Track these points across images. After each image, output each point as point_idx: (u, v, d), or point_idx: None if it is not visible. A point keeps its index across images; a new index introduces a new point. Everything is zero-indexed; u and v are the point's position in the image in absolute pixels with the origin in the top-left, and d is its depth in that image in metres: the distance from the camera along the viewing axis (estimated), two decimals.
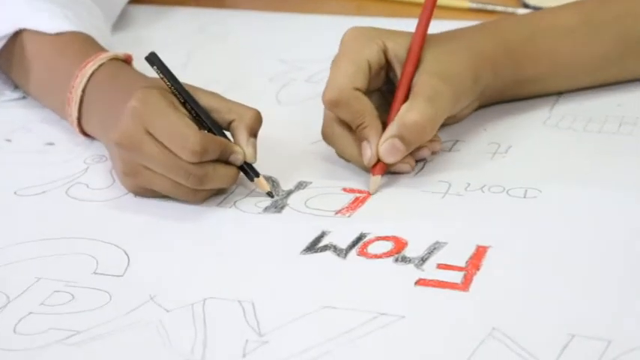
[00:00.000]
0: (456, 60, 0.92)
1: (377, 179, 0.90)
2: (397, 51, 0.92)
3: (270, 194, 0.90)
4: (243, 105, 0.91)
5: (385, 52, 0.92)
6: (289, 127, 1.00)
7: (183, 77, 0.95)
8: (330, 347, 0.72)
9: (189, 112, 0.90)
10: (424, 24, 0.92)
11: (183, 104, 0.90)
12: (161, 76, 0.91)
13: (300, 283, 0.80)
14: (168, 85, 0.90)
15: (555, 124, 0.97)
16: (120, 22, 1.23)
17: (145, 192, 0.91)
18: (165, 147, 0.87)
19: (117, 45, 1.11)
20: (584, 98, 1.00)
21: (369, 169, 0.90)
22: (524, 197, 0.87)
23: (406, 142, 0.89)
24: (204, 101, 0.91)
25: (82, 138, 1.00)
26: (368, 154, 0.90)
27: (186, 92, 0.90)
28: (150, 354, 0.74)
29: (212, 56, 1.18)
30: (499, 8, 1.20)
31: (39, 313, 0.78)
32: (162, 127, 0.87)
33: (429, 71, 0.90)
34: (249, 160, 0.90)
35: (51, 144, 1.02)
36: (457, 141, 0.96)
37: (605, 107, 0.98)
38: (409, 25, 1.20)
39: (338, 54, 0.92)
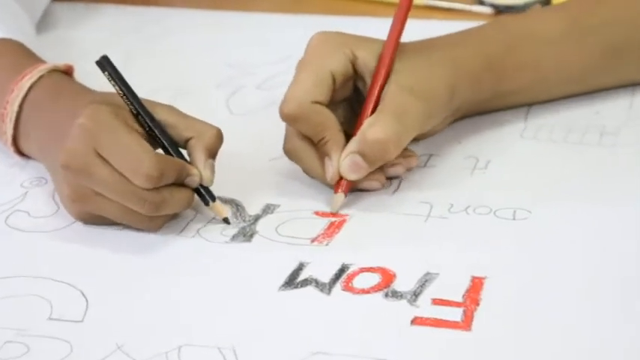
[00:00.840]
0: (432, 73, 0.85)
1: (339, 197, 0.83)
2: (367, 61, 0.85)
3: (226, 220, 0.83)
4: (203, 122, 0.83)
5: (354, 62, 0.85)
6: (245, 140, 0.92)
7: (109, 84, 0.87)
8: None
9: (143, 127, 0.82)
10: (397, 31, 0.85)
11: (136, 116, 0.82)
12: (113, 83, 0.82)
13: (284, 325, 0.72)
14: (121, 94, 0.82)
15: (533, 136, 0.91)
16: (43, 21, 1.13)
17: (95, 219, 0.82)
18: (118, 171, 0.79)
19: (43, 47, 1.01)
20: (558, 107, 0.94)
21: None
22: (514, 219, 0.81)
23: (368, 159, 0.82)
24: (160, 115, 0.83)
25: (17, 158, 0.91)
26: (330, 171, 0.83)
27: (141, 103, 0.82)
28: None
29: (151, 60, 1.09)
30: (456, 6, 1.14)
31: None
32: (114, 148, 0.79)
33: (401, 84, 0.84)
34: (205, 184, 0.82)
35: None
36: (431, 155, 0.89)
37: (582, 116, 0.92)
38: (351, 23, 1.16)
39: (301, 61, 0.85)
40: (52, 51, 0.98)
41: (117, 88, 0.82)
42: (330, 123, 0.83)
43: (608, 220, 0.80)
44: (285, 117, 0.84)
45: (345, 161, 0.83)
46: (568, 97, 0.94)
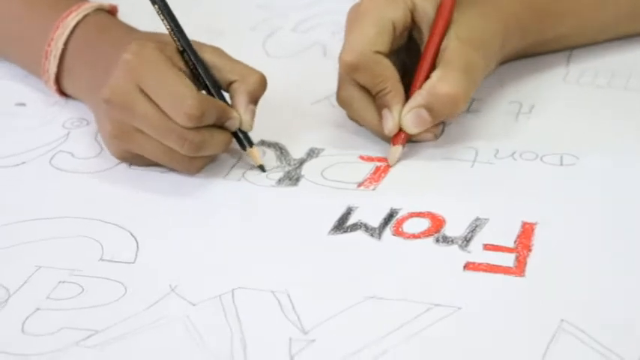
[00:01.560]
0: (487, 25, 0.84)
1: (397, 149, 0.82)
2: (427, 10, 0.83)
3: (261, 168, 0.82)
4: (248, 66, 0.82)
5: (413, 12, 0.84)
6: (284, 84, 0.91)
7: (153, 24, 0.86)
8: (386, 346, 0.65)
9: (187, 65, 0.81)
10: None
11: (182, 54, 0.81)
12: (162, 17, 0.81)
13: (335, 270, 0.72)
14: (169, 29, 0.81)
15: (576, 81, 0.90)
16: None
17: (135, 159, 0.82)
18: (160, 108, 0.78)
19: None
20: (601, 51, 0.93)
21: (389, 138, 0.83)
22: (561, 165, 0.80)
23: (434, 113, 0.81)
24: (205, 56, 0.82)
25: (56, 97, 0.90)
26: (390, 124, 0.82)
27: (188, 41, 0.81)
28: (183, 358, 0.66)
29: (179, 1, 1.08)
30: None
31: (47, 309, 0.69)
32: (157, 85, 0.78)
33: (461, 38, 0.82)
34: (244, 129, 0.82)
35: (22, 104, 0.92)
36: (474, 100, 0.88)
37: (625, 61, 0.92)
38: None
39: (358, 9, 0.84)
40: None
41: (165, 22, 0.81)
42: (390, 74, 0.82)
43: None
44: (346, 66, 0.82)
45: (410, 115, 0.82)
46: (608, 41, 0.94)
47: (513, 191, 0.78)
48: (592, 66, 0.92)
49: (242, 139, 0.82)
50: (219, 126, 0.81)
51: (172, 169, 0.82)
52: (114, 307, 0.69)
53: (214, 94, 0.82)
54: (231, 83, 0.82)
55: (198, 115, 0.78)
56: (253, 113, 0.82)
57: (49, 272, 0.72)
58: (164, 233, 0.76)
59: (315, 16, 1.04)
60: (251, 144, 0.82)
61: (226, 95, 0.83)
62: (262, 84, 0.82)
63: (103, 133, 0.83)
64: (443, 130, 0.85)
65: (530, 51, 0.91)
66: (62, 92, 0.90)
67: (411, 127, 0.82)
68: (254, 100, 0.82)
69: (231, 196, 0.80)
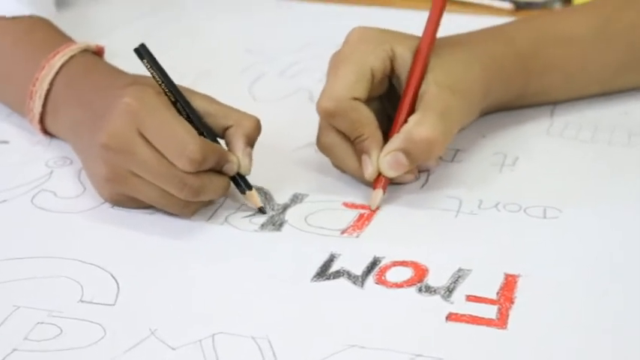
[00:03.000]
0: (468, 72, 0.85)
1: (378, 193, 0.83)
2: (406, 57, 0.84)
3: (262, 210, 0.82)
4: (241, 111, 0.83)
5: (392, 59, 0.84)
6: (270, 128, 0.89)
7: (140, 66, 0.86)
8: None
9: (181, 114, 0.81)
10: (432, 28, 0.85)
11: (174, 104, 0.81)
12: (151, 71, 0.81)
13: (317, 317, 0.72)
14: (158, 81, 0.81)
15: (559, 134, 0.91)
16: (61, 0, 1.13)
17: (127, 201, 0.82)
18: (160, 152, 0.78)
19: (61, 26, 1.00)
20: (584, 105, 0.94)
21: (371, 183, 0.83)
22: (545, 217, 0.81)
23: (411, 157, 0.82)
24: (198, 104, 0.82)
25: (40, 136, 0.90)
26: (369, 169, 0.82)
27: (179, 92, 0.81)
28: None
29: (170, 43, 1.08)
30: (474, 0, 1.14)
31: (24, 350, 0.68)
32: (158, 129, 0.78)
33: (440, 83, 0.83)
34: (243, 172, 0.82)
35: (5, 142, 0.92)
36: (458, 150, 0.89)
37: (610, 115, 0.92)
38: (365, 12, 1.15)
39: (339, 56, 0.84)
40: (68, 30, 0.96)
41: (155, 75, 0.81)
42: (368, 120, 0.83)
43: (636, 222, 0.80)
44: (324, 113, 0.83)
45: (387, 159, 0.82)
46: (594, 96, 0.94)
47: (496, 242, 0.78)
48: (576, 119, 0.93)
49: (240, 182, 0.82)
50: (218, 171, 0.81)
51: (160, 211, 0.81)
52: (92, 349, 0.68)
53: (209, 139, 0.81)
54: (226, 129, 0.82)
55: (199, 160, 0.78)
56: (251, 157, 0.82)
57: (28, 313, 0.72)
58: (145, 275, 0.76)
59: (302, 61, 1.05)
60: (250, 187, 0.82)
61: (221, 142, 0.83)
62: (257, 127, 0.83)
63: (94, 175, 0.83)
64: (427, 180, 0.86)
65: (515, 103, 0.92)
66: (46, 131, 0.89)
67: (389, 171, 0.82)
68: (250, 143, 0.82)
69: (214, 240, 0.79)
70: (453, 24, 0.91)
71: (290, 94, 0.99)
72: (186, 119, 0.81)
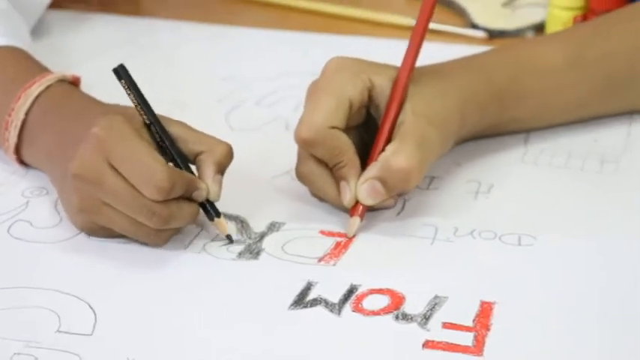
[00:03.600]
0: (445, 103, 0.85)
1: (355, 221, 0.83)
2: (384, 88, 0.85)
3: (229, 238, 0.83)
4: (214, 137, 0.83)
5: (370, 89, 0.85)
6: (247, 157, 0.91)
7: (117, 94, 0.86)
8: None
9: (154, 138, 0.82)
10: (411, 59, 0.85)
11: (148, 127, 0.82)
12: (128, 92, 0.82)
13: (296, 345, 0.72)
14: (135, 103, 0.82)
15: (534, 161, 0.92)
16: (36, 29, 1.13)
17: (101, 231, 0.82)
18: (129, 182, 0.79)
19: (36, 55, 1.01)
20: (558, 132, 0.95)
21: (348, 210, 0.84)
22: (519, 244, 0.81)
23: (388, 186, 0.82)
24: (172, 129, 0.83)
25: (16, 166, 0.90)
26: (347, 196, 0.83)
27: (154, 114, 0.82)
28: None
29: (146, 71, 1.08)
30: (449, 29, 1.15)
31: None
32: (126, 159, 0.79)
33: (417, 113, 0.84)
34: (212, 199, 0.82)
35: None
36: (433, 178, 0.89)
37: (582, 143, 0.93)
38: (340, 41, 1.16)
39: (318, 85, 0.85)
40: (44, 59, 0.97)
41: (132, 97, 0.82)
42: (346, 148, 0.83)
43: (610, 249, 0.81)
44: (302, 142, 0.83)
45: (364, 187, 0.82)
46: (568, 124, 0.95)
47: (472, 270, 0.79)
48: (549, 146, 0.93)
49: (209, 209, 0.82)
50: (187, 198, 0.81)
51: (137, 240, 0.82)
52: None
53: (181, 166, 0.82)
54: (198, 155, 0.83)
55: (167, 188, 0.78)
56: (220, 183, 0.82)
57: (4, 343, 0.71)
58: (123, 305, 0.76)
59: (279, 89, 1.05)
60: (218, 214, 0.82)
61: (193, 167, 0.84)
62: (229, 155, 0.83)
63: (68, 205, 0.83)
64: (404, 207, 0.86)
65: (489, 131, 0.92)
66: (22, 161, 0.89)
67: (366, 199, 0.83)
68: (221, 170, 0.83)
69: (191, 268, 0.79)
70: (428, 52, 0.91)
71: (267, 122, 0.99)
72: (159, 142, 0.82)
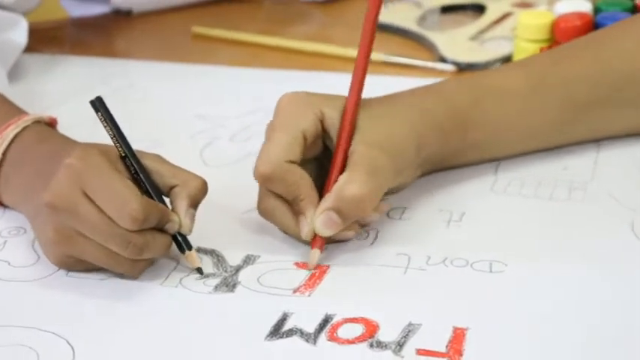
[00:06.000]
0: (397, 129, 0.87)
1: (315, 253, 0.84)
2: (334, 118, 0.87)
3: (199, 270, 0.84)
4: (189, 172, 0.85)
5: (322, 120, 0.87)
6: (221, 192, 0.92)
7: (93, 135, 0.87)
8: None
9: (129, 170, 0.83)
10: (357, 87, 0.87)
11: (123, 159, 0.83)
12: (105, 124, 0.84)
13: None
14: (111, 135, 0.83)
15: (503, 190, 0.93)
16: (12, 72, 1.14)
17: (75, 264, 0.83)
18: (103, 212, 0.80)
19: (13, 98, 1.01)
20: (527, 161, 0.96)
21: (309, 243, 0.85)
22: (490, 272, 0.83)
23: (343, 215, 0.84)
24: (147, 162, 0.84)
25: None
26: (305, 229, 0.85)
27: (129, 147, 0.83)
28: None
29: (120, 111, 1.09)
30: (418, 62, 1.17)
31: None
32: (101, 188, 0.80)
33: (367, 141, 0.85)
34: (184, 232, 0.84)
35: None
36: (405, 208, 0.91)
37: (551, 171, 0.95)
38: (312, 77, 1.18)
39: (273, 122, 0.87)
40: (20, 102, 0.98)
41: (108, 129, 0.84)
42: (303, 182, 0.85)
43: (579, 275, 0.82)
44: (261, 177, 0.85)
45: (320, 218, 0.84)
46: (533, 152, 0.97)
47: (445, 297, 0.80)
48: (519, 176, 0.95)
49: (181, 242, 0.84)
50: (160, 229, 0.83)
51: (113, 275, 0.83)
52: None
53: (155, 198, 0.84)
54: (172, 188, 0.84)
55: (141, 218, 0.80)
56: (193, 217, 0.84)
57: None
58: (100, 341, 0.77)
59: (254, 124, 1.07)
60: (190, 247, 0.84)
61: (167, 200, 0.85)
62: (203, 189, 0.85)
63: (42, 239, 0.84)
64: (377, 237, 0.88)
65: (455, 158, 0.93)
66: (0, 202, 0.91)
67: (323, 230, 0.84)
68: (194, 204, 0.84)
69: (168, 302, 0.80)
70: (397, 86, 0.94)
71: (240, 158, 1.00)
72: (133, 174, 0.83)
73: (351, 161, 0.85)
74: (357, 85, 0.87)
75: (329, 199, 0.84)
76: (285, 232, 0.87)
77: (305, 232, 0.85)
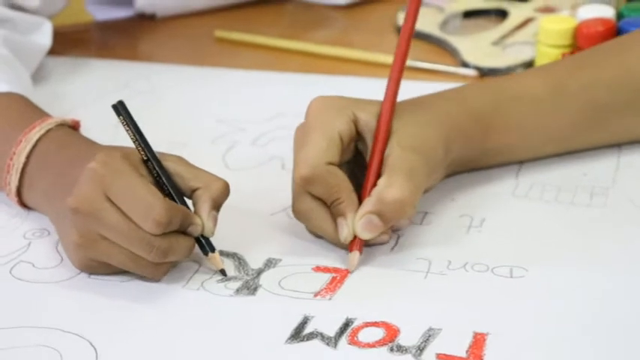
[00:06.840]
0: (429, 133, 0.88)
1: (355, 255, 0.85)
2: (369, 121, 0.87)
3: (223, 272, 0.84)
4: (211, 174, 0.85)
5: (356, 123, 0.88)
6: (243, 196, 0.93)
7: (116, 137, 0.88)
8: None
9: (151, 173, 0.84)
10: (392, 93, 0.88)
11: (145, 163, 0.84)
12: (127, 128, 0.84)
13: None
14: (133, 139, 0.84)
15: (525, 195, 0.93)
16: (36, 75, 1.15)
17: (98, 267, 0.84)
18: (127, 216, 0.81)
19: (36, 101, 1.03)
20: (548, 165, 0.97)
21: (346, 246, 0.86)
22: (511, 277, 0.83)
23: (385, 218, 0.84)
24: (169, 164, 0.85)
25: (17, 209, 0.92)
26: (345, 232, 0.85)
27: (151, 150, 0.84)
28: None
29: (142, 115, 1.10)
30: (440, 67, 1.17)
31: None
32: (124, 193, 0.81)
33: (403, 145, 0.86)
34: (206, 234, 0.84)
35: None
36: (427, 213, 0.91)
37: (571, 176, 0.95)
38: (334, 81, 1.19)
39: (306, 126, 0.87)
40: (44, 104, 0.99)
41: (130, 132, 0.84)
42: (344, 184, 0.86)
43: (600, 280, 0.82)
44: (302, 180, 0.85)
45: (362, 221, 0.84)
46: (554, 156, 0.97)
47: (465, 302, 0.81)
48: (540, 180, 0.95)
49: (204, 244, 0.84)
50: (182, 232, 0.83)
51: (135, 277, 0.83)
52: None
53: (177, 200, 0.84)
54: (194, 190, 0.85)
55: (165, 222, 0.80)
56: (215, 219, 0.84)
57: None
58: (123, 343, 0.77)
59: (275, 129, 1.07)
60: (213, 249, 0.84)
61: (189, 202, 0.85)
62: (225, 191, 0.85)
63: (66, 242, 0.85)
64: (397, 242, 0.88)
65: (478, 161, 0.94)
66: (24, 204, 0.91)
67: (364, 233, 0.84)
68: (216, 206, 0.85)
69: (190, 305, 0.81)
70: (419, 90, 0.94)
71: (263, 162, 1.01)
72: (156, 178, 0.84)
73: (387, 164, 0.86)
74: (393, 89, 0.88)
75: (370, 202, 0.85)
76: (319, 234, 0.88)
77: (344, 235, 0.85)
